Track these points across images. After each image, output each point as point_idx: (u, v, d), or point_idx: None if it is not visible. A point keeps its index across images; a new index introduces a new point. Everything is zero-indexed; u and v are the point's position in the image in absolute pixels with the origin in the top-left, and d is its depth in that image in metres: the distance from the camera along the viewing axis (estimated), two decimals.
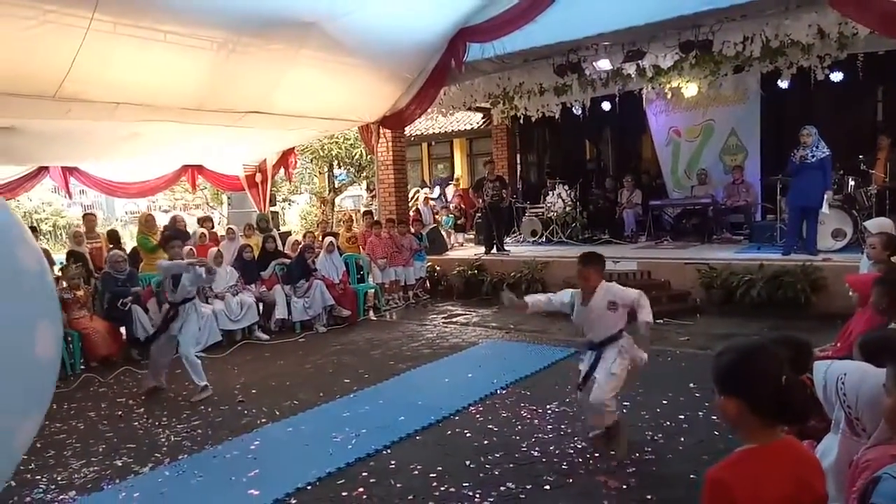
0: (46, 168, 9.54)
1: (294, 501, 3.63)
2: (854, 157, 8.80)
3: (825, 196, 7.63)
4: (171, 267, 5.91)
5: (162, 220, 10.51)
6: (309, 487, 3.78)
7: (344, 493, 3.68)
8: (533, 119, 11.52)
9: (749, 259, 8.21)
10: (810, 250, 7.92)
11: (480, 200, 10.94)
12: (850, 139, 9.30)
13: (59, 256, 9.63)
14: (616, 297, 3.89)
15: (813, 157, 7.68)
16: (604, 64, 8.63)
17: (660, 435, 4.30)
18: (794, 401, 1.52)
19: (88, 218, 9.55)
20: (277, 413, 5.16)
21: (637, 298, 3.89)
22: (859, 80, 8.51)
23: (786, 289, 7.33)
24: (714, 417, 4.40)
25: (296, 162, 12.21)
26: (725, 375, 1.59)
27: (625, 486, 3.59)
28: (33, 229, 9.55)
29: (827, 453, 2.13)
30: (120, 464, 4.31)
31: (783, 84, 9.26)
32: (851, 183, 8.62)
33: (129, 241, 10.39)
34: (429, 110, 10.54)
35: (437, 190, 15.09)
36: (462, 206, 14.89)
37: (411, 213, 12.16)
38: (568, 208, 11.67)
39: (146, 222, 9.04)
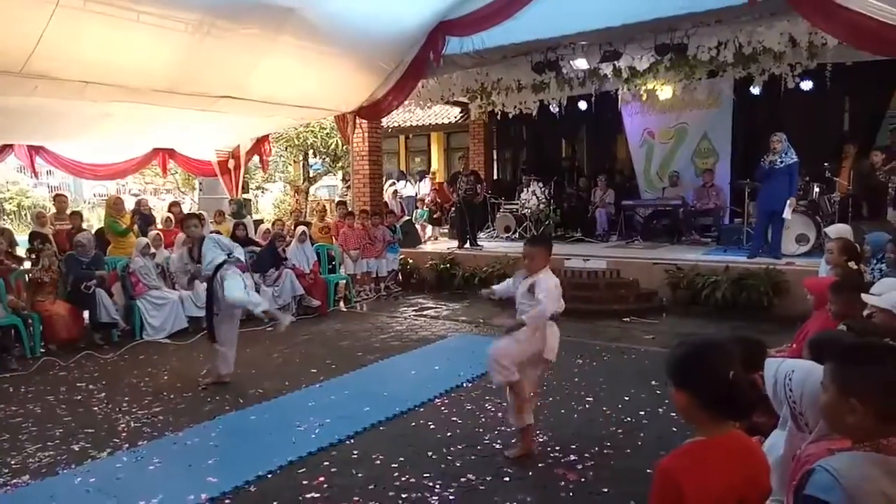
0: (11, 146, 9.29)
1: (253, 489, 3.61)
2: (820, 165, 9.01)
3: (788, 202, 7.81)
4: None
5: (131, 204, 10.34)
6: (269, 476, 3.76)
7: (304, 482, 3.68)
8: (510, 115, 11.60)
9: (715, 261, 8.37)
10: (774, 254, 8.11)
11: (454, 195, 10.96)
12: (817, 147, 9.51)
13: (23, 237, 9.38)
14: (539, 284, 3.82)
15: (781, 162, 7.85)
16: (581, 63, 8.72)
17: (620, 430, 4.37)
18: (740, 396, 1.57)
19: (59, 199, 9.34)
20: (241, 401, 5.11)
21: (542, 296, 3.77)
22: (827, 90, 8.71)
23: (749, 291, 7.49)
24: (673, 414, 4.49)
25: (270, 149, 12.08)
26: (677, 369, 1.65)
27: (583, 480, 3.64)
28: None
29: (773, 449, 2.20)
30: (77, 449, 4.24)
31: (755, 90, 9.45)
32: (816, 189, 8.84)
33: (97, 224, 10.15)
34: (406, 102, 10.51)
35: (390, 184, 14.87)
36: (437, 199, 14.89)
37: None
38: (542, 205, 11.75)
39: (115, 205, 8.85)
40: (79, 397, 5.33)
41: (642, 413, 4.64)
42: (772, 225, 8.19)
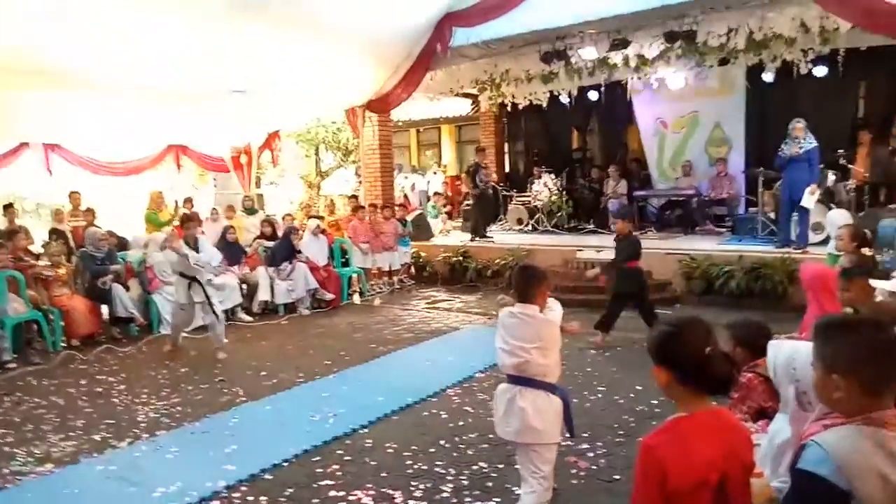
0: (26, 144, 9.43)
1: (269, 477, 3.68)
2: (834, 152, 8.90)
3: (808, 189, 7.71)
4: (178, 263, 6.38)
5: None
6: (285, 464, 3.84)
7: (318, 470, 3.75)
8: (520, 107, 11.56)
9: (730, 251, 8.32)
10: (800, 244, 7.98)
11: (475, 187, 10.86)
12: (832, 134, 9.37)
13: (42, 234, 9.54)
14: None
15: (801, 149, 7.77)
16: (589, 52, 8.66)
17: (632, 419, 4.40)
18: (715, 372, 1.63)
19: (73, 196, 9.50)
20: (257, 392, 5.20)
21: None
22: (841, 75, 8.60)
23: (764, 280, 7.45)
24: None
25: (281, 144, 12.17)
26: (656, 346, 1.71)
27: (594, 467, 3.68)
28: (9, 206, 9.44)
29: (779, 433, 2.21)
30: (98, 438, 4.34)
31: (768, 77, 9.34)
32: (832, 177, 8.72)
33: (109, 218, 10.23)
34: (416, 95, 10.52)
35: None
36: (449, 192, 14.92)
37: (400, 199, 12.19)
38: (554, 197, 11.72)
39: (156, 199, 9.10)
40: (99, 389, 5.44)
41: (654, 402, 4.65)
42: (798, 214, 8.07)
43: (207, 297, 6.33)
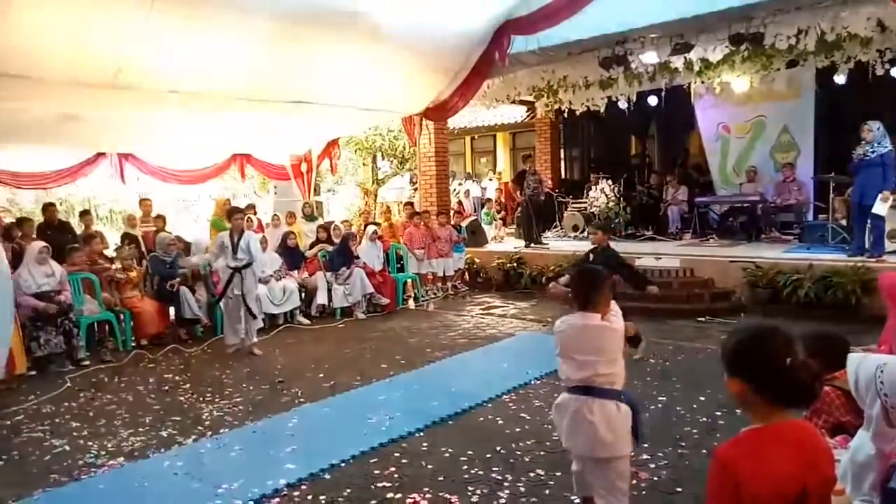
0: (104, 154, 9.93)
1: (328, 477, 3.74)
2: None
3: (880, 195, 7.31)
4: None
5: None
6: (343, 465, 3.88)
7: (376, 472, 3.78)
8: (577, 113, 11.44)
9: (798, 259, 7.98)
10: (875, 252, 7.57)
11: (520, 193, 10.90)
12: None
13: (114, 238, 10.01)
14: None
15: (873, 152, 7.39)
16: (650, 57, 8.47)
17: (695, 430, 4.26)
18: (797, 383, 1.53)
19: (144, 203, 9.92)
20: (316, 394, 5.30)
21: None
22: None
23: (835, 289, 7.11)
24: None
25: (339, 153, 12.40)
26: (731, 356, 1.62)
27: (655, 479, 3.58)
28: (86, 212, 9.95)
29: (861, 449, 2.09)
30: (165, 434, 4.51)
31: (839, 79, 8.94)
32: None
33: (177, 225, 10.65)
34: (472, 103, 10.54)
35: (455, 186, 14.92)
36: (502, 199, 14.89)
37: (454, 206, 12.22)
38: (611, 203, 11.53)
39: (223, 206, 9.43)
40: (166, 387, 5.66)
41: (718, 413, 4.50)
42: (870, 220, 7.67)
43: (243, 293, 6.66)
